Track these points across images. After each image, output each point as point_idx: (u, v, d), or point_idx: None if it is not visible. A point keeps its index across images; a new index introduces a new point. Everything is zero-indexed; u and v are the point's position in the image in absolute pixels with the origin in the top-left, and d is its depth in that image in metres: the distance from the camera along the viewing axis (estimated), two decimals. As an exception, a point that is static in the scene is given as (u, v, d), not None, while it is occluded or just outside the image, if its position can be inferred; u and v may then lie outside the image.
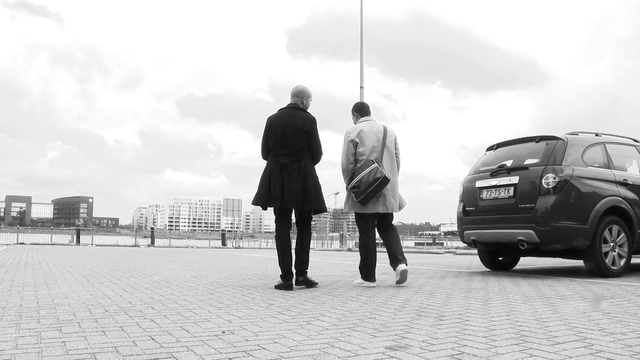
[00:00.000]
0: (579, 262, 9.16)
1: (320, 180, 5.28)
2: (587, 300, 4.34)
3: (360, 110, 5.67)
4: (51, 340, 2.63)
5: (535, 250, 6.60)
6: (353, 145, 5.30)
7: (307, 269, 5.19)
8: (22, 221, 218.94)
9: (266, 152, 5.25)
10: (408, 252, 16.80)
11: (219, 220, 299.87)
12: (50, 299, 4.13)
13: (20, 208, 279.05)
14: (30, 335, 2.76)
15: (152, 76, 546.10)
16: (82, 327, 2.99)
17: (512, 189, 6.57)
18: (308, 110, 5.36)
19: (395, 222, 5.74)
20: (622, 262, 6.49)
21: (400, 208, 5.51)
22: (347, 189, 5.37)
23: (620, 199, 6.47)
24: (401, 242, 5.56)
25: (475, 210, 7.09)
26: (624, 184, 6.61)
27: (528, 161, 6.66)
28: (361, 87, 19.64)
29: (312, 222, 5.57)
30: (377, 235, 5.61)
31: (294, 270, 5.14)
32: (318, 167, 5.45)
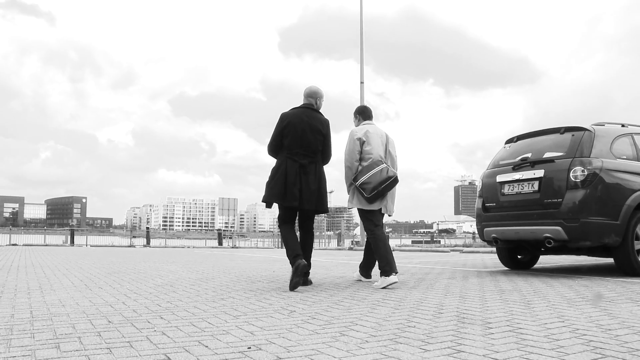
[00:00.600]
0: (599, 260, 8.82)
1: None
2: (637, 302, 3.95)
3: (363, 113, 5.70)
4: (48, 362, 2.21)
5: (561, 248, 6.20)
6: (360, 143, 5.30)
7: (310, 269, 5.16)
8: (14, 222, 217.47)
9: (277, 148, 5.20)
10: (413, 252, 16.42)
11: (213, 219, 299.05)
12: (45, 307, 3.70)
13: (13, 209, 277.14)
14: (24, 354, 2.34)
15: (145, 75, 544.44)
16: (84, 343, 2.57)
17: (536, 183, 6.18)
18: (321, 112, 5.41)
19: (389, 220, 5.60)
20: (655, 259, 6.10)
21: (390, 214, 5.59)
22: (350, 185, 5.37)
23: (653, 193, 6.09)
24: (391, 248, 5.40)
25: (495, 206, 6.70)
26: (655, 177, 6.23)
27: (552, 154, 6.27)
28: (361, 83, 19.27)
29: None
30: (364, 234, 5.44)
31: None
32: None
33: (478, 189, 7.11)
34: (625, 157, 6.20)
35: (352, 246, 19.43)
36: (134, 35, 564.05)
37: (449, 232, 76.94)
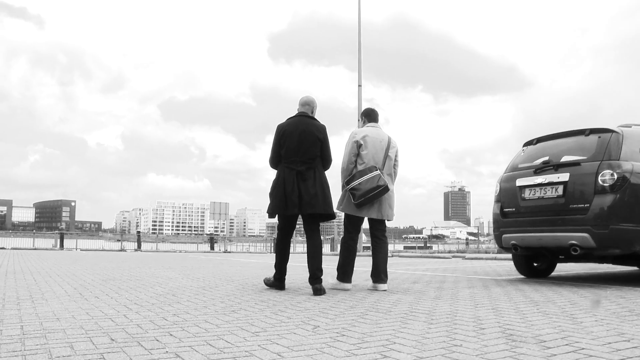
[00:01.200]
0: (615, 268, 8.51)
1: None
2: (692, 318, 3.59)
3: (369, 116, 5.67)
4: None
5: (586, 255, 5.85)
6: (357, 147, 5.31)
7: (322, 274, 5.05)
8: (2, 225, 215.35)
9: (277, 160, 5.23)
10: (412, 258, 16.05)
11: (203, 223, 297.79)
12: (38, 321, 3.28)
13: (1, 212, 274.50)
14: (14, 385, 1.94)
15: (135, 79, 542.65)
16: (86, 369, 2.17)
17: (561, 188, 5.82)
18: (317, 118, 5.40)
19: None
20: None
21: (390, 219, 5.55)
22: (343, 188, 5.38)
23: (684, 198, 5.74)
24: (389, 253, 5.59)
25: (515, 211, 6.34)
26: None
27: (576, 157, 5.93)
28: (359, 86, 18.94)
29: (298, 227, 5.74)
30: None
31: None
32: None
33: (495, 194, 6.74)
34: (654, 160, 5.86)
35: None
36: (124, 39, 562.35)
37: (439, 238, 76.68)
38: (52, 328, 3.04)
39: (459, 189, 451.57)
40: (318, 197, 5.03)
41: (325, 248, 36.97)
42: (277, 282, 5.31)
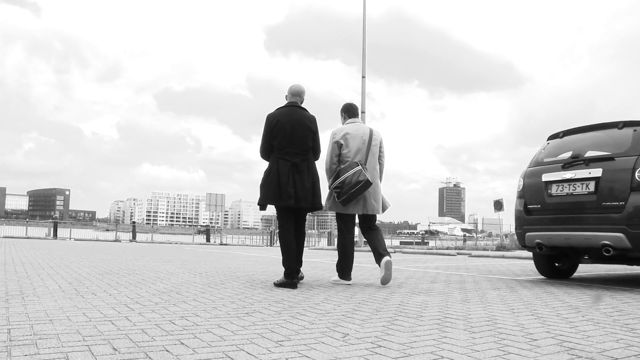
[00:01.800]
0: (634, 269, 8.15)
1: None
2: None
3: (349, 111, 5.66)
4: None
5: (619, 257, 5.46)
6: (337, 147, 5.34)
7: (301, 266, 5.17)
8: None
9: (270, 150, 5.16)
10: (416, 254, 15.68)
11: (197, 215, 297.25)
12: (28, 324, 2.87)
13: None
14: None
15: (131, 69, 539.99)
16: (86, 391, 1.77)
17: (592, 184, 5.44)
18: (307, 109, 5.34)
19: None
20: None
21: (384, 210, 5.54)
22: (329, 188, 5.40)
23: None
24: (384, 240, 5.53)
25: (540, 208, 5.95)
26: None
27: (608, 151, 5.54)
28: (363, 77, 18.53)
29: None
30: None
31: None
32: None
33: (517, 189, 6.36)
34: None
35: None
36: (121, 29, 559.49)
37: (433, 234, 76.20)
38: (45, 333, 2.64)
39: (454, 185, 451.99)
40: (311, 191, 5.08)
41: (322, 242, 36.71)
42: (288, 279, 4.98)
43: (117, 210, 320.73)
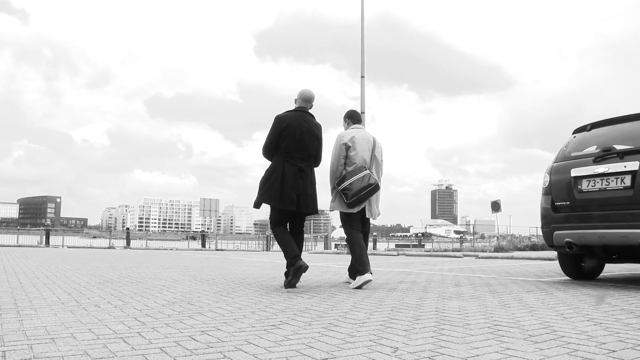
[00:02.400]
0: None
1: None
2: None
3: (353, 117, 5.78)
4: None
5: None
6: (345, 148, 5.38)
7: None
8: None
9: (273, 150, 5.14)
10: (422, 257, 15.31)
11: (190, 220, 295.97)
12: (26, 344, 2.46)
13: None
14: None
15: (121, 75, 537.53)
16: None
17: (628, 178, 5.09)
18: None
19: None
20: None
21: (377, 215, 5.63)
22: (333, 189, 5.45)
23: None
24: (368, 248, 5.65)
25: (570, 205, 5.59)
26: None
27: (642, 143, 5.20)
28: (362, 77, 18.17)
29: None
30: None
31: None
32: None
33: (543, 186, 6.00)
34: None
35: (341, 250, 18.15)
36: (110, 35, 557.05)
37: (427, 236, 76.18)
38: (47, 355, 2.23)
39: (446, 188, 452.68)
40: (313, 197, 5.15)
41: (319, 246, 36.29)
42: (296, 265, 4.93)
43: (109, 217, 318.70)
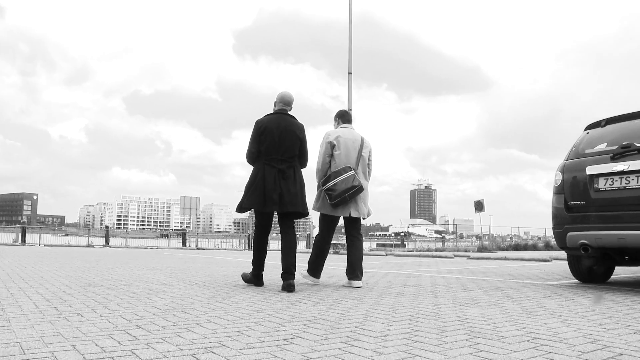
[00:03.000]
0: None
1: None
2: None
3: (343, 117, 5.77)
4: None
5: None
6: (330, 147, 5.38)
7: (295, 270, 5.02)
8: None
9: (256, 156, 5.16)
10: (410, 257, 15.00)
11: (168, 218, 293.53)
12: (-3, 367, 2.05)
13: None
14: None
15: (100, 71, 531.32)
16: None
17: (650, 176, 4.78)
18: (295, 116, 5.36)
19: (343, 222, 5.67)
20: None
21: (368, 215, 5.60)
22: (318, 188, 5.43)
23: None
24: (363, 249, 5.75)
25: (585, 205, 5.28)
26: None
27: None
28: (349, 73, 17.83)
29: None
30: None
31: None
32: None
33: (554, 185, 5.68)
34: None
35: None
36: (89, 31, 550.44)
37: (406, 236, 76.33)
38: (22, 384, 1.82)
39: (426, 187, 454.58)
40: (298, 196, 5.08)
41: (301, 245, 35.91)
42: (255, 278, 5.27)
43: (87, 215, 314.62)
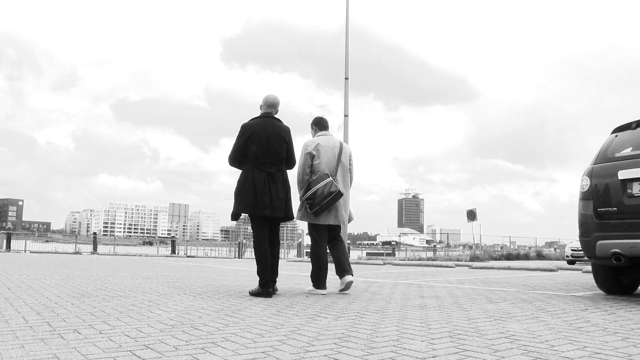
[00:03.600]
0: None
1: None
2: None
3: (319, 124, 5.72)
4: None
5: None
6: (310, 158, 5.37)
7: (277, 277, 5.16)
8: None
9: (240, 158, 5.15)
10: (411, 266, 14.64)
11: (155, 225, 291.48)
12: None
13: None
14: None
15: (88, 77, 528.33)
16: None
17: (691, 180, 4.45)
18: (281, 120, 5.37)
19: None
20: None
21: (349, 220, 5.73)
22: (300, 199, 5.43)
23: None
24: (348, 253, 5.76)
25: (617, 211, 4.94)
26: None
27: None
28: (346, 79, 17.45)
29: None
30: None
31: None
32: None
33: (581, 190, 5.34)
34: None
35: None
36: (77, 36, 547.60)
37: (392, 245, 76.19)
38: None
39: (413, 196, 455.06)
40: (285, 201, 5.14)
41: (292, 253, 35.48)
42: (264, 288, 4.94)
43: (73, 222, 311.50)
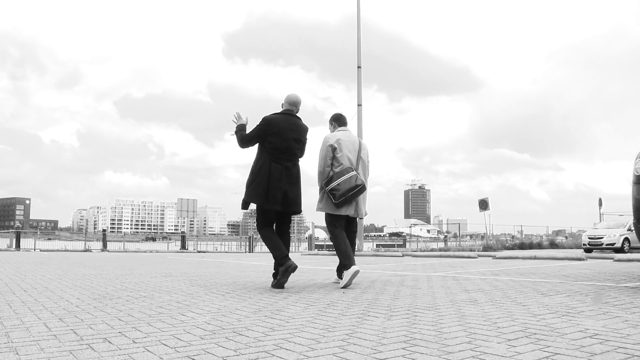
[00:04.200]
0: None
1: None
2: None
3: (338, 120, 5.83)
4: None
5: None
6: (332, 150, 5.45)
7: None
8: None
9: (251, 145, 5.24)
10: (431, 258, 14.29)
11: (162, 221, 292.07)
12: None
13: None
14: None
15: (91, 75, 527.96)
16: None
17: None
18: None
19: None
20: None
21: (365, 215, 5.82)
22: (321, 190, 5.51)
23: None
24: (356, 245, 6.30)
25: (678, 195, 4.57)
26: None
27: None
28: (359, 67, 17.10)
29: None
30: None
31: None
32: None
33: (635, 174, 4.97)
34: None
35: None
36: (79, 34, 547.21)
37: (400, 236, 75.92)
38: None
39: (419, 187, 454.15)
40: (299, 197, 5.24)
41: (303, 246, 35.27)
42: (284, 261, 4.97)
43: (80, 219, 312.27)
